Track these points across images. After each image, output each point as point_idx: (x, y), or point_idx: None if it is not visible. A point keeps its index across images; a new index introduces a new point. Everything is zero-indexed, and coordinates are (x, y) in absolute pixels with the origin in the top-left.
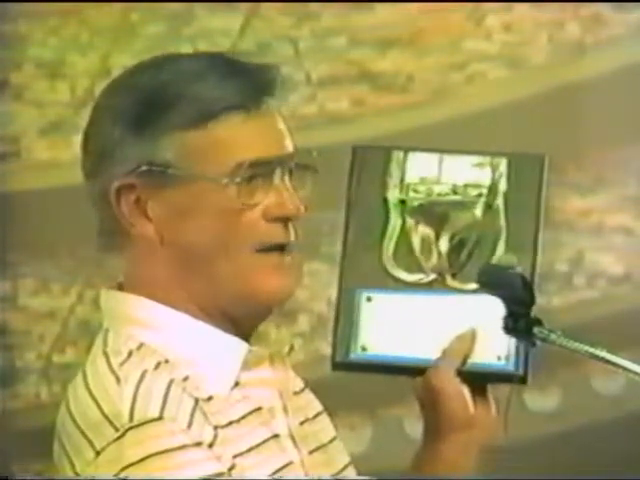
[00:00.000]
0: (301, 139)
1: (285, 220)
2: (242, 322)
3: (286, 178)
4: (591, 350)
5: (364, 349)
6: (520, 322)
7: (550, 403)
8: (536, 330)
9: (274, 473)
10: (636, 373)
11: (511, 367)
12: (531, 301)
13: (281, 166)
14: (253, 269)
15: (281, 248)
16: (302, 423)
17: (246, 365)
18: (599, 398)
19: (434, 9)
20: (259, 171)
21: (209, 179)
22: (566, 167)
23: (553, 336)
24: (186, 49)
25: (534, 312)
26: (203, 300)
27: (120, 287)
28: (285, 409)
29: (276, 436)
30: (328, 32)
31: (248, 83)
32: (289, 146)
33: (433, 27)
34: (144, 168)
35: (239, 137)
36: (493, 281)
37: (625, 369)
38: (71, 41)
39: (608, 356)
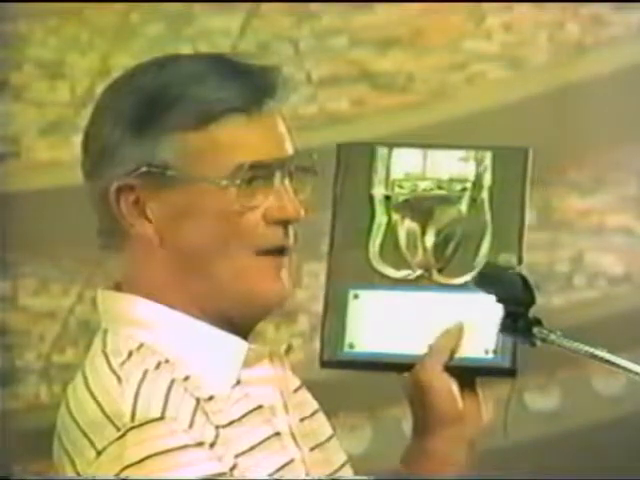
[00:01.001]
0: (301, 139)
1: (285, 223)
2: (240, 323)
3: (286, 181)
4: (591, 350)
5: (352, 346)
6: (520, 322)
7: (550, 403)
8: (536, 330)
9: (276, 471)
10: (636, 373)
11: (499, 360)
12: (531, 301)
13: (281, 169)
14: (252, 271)
15: (280, 251)
16: (302, 420)
17: (246, 363)
18: (599, 398)
19: (434, 9)
20: (259, 173)
21: (209, 181)
22: (566, 167)
23: (553, 336)
24: (186, 49)
25: (534, 312)
26: (202, 301)
27: (117, 287)
28: (286, 407)
29: (277, 434)
30: (328, 32)
31: (249, 85)
32: (289, 149)
33: (433, 27)
34: (144, 169)
35: (239, 139)
36: (492, 282)
37: (625, 369)
38: (71, 41)
39: (608, 356)
